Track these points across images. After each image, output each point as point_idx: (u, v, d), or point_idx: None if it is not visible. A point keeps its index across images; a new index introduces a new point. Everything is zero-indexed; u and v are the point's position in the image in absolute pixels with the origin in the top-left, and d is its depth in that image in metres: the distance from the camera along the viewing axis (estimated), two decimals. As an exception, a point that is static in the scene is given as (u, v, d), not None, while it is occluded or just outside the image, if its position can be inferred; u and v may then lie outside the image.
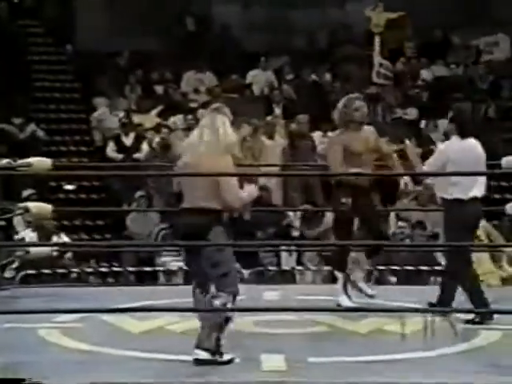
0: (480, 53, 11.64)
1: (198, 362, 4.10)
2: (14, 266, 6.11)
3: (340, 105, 5.63)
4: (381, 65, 11.00)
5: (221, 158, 4.18)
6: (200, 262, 4.18)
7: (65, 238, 8.10)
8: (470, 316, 5.00)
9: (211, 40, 12.03)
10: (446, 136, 5.45)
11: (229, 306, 4.13)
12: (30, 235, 7.67)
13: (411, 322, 4.87)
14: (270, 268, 8.26)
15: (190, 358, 4.14)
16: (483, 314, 4.95)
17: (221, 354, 4.14)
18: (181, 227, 4.30)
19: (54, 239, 7.81)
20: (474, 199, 5.10)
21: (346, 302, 5.37)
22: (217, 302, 4.13)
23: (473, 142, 5.23)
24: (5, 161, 6.07)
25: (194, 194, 4.19)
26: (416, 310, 4.96)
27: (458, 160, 5.09)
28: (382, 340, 4.66)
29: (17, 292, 6.09)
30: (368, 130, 5.65)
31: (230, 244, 4.27)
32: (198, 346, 4.12)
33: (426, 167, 5.26)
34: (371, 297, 5.45)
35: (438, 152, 5.31)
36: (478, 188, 5.12)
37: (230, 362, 4.14)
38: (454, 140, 5.23)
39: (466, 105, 6.12)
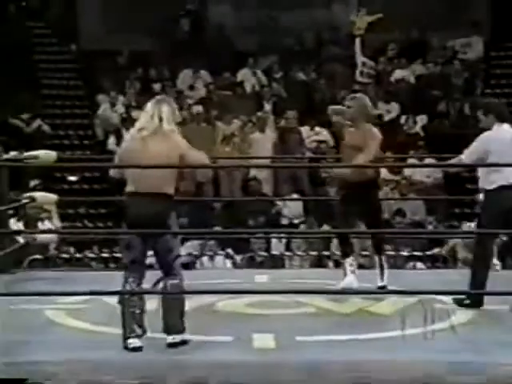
0: (455, 53, 11.66)
1: (172, 345, 4.00)
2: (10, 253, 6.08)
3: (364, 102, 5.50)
4: (364, 64, 10.99)
5: (168, 139, 4.06)
6: (146, 248, 4.06)
7: (57, 224, 8.05)
8: None
9: (205, 40, 11.99)
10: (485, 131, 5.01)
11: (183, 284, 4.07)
12: (17, 225, 7.63)
13: (392, 303, 4.90)
14: (261, 253, 8.26)
15: (186, 336, 4.13)
16: (475, 299, 4.83)
17: (183, 333, 4.04)
18: (135, 212, 4.06)
19: (39, 226, 7.75)
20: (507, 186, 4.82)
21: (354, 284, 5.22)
22: (176, 281, 4.05)
23: (508, 128, 4.94)
24: (13, 153, 6.04)
25: (149, 180, 4.00)
26: (397, 292, 4.98)
27: (498, 148, 4.80)
28: (365, 320, 4.67)
29: (24, 276, 6.07)
30: None
31: (227, 232, 4.21)
32: (168, 332, 4.01)
33: (464, 157, 4.90)
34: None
35: (478, 141, 4.92)
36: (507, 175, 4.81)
37: (188, 342, 4.05)
38: (495, 129, 4.93)
39: (493, 99, 5.91)
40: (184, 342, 4.04)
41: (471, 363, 3.88)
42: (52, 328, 4.48)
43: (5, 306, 4.73)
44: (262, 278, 5.90)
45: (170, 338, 4.03)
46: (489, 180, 4.87)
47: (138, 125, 4.17)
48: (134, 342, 3.99)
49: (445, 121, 10.79)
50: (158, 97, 4.30)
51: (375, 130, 5.46)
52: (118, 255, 8.30)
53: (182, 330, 4.04)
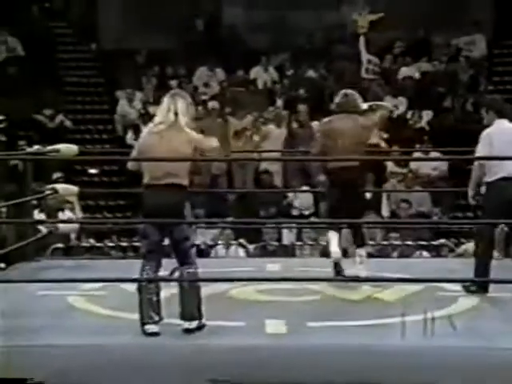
0: (460, 51, 11.58)
1: (189, 331, 3.99)
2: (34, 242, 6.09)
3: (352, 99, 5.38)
4: (369, 61, 10.95)
5: (183, 133, 4.05)
6: (162, 237, 4.05)
7: (79, 215, 8.06)
8: None
9: (220, 39, 11.97)
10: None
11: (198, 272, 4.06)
12: (39, 215, 7.64)
13: (397, 291, 4.87)
14: (273, 243, 8.24)
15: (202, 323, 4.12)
16: (480, 286, 4.80)
17: (201, 319, 4.04)
18: (151, 203, 4.04)
19: (60, 215, 7.77)
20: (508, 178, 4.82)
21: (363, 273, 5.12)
22: (191, 270, 4.04)
23: (507, 124, 4.96)
24: (36, 147, 6.04)
25: (164, 172, 3.98)
26: (405, 280, 4.95)
27: (499, 142, 4.82)
28: (373, 306, 4.64)
29: (48, 263, 6.09)
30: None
31: (241, 222, 4.17)
32: (185, 318, 3.99)
33: (478, 154, 4.91)
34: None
35: (481, 140, 4.93)
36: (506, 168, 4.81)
37: (204, 326, 4.03)
38: (495, 125, 4.95)
39: (495, 96, 5.91)
40: (200, 328, 4.02)
41: (474, 348, 3.84)
42: (72, 313, 4.48)
43: (29, 292, 4.75)
44: (273, 266, 5.88)
45: (187, 324, 4.01)
46: (490, 173, 4.85)
47: (155, 119, 4.15)
48: (151, 327, 3.98)
49: (449, 116, 10.72)
50: (172, 91, 4.27)
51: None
52: (136, 244, 8.31)
53: (198, 317, 4.03)
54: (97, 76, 11.58)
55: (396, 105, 10.84)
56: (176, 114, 4.07)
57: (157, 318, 4.01)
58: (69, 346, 3.86)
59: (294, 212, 9.28)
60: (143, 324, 4.00)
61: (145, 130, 4.31)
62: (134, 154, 4.26)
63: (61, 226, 6.36)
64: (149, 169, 4.07)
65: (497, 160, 4.84)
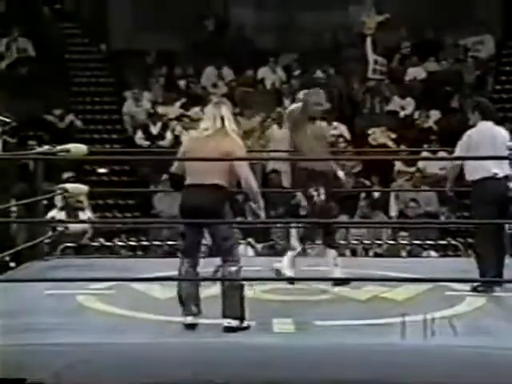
0: (467, 51, 11.54)
1: (228, 329, 4.00)
2: (48, 241, 6.10)
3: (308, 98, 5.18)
4: (376, 62, 10.93)
5: (229, 137, 4.14)
6: (200, 237, 4.12)
7: (88, 214, 8.09)
8: None
9: (228, 39, 11.97)
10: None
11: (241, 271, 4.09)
12: (60, 214, 7.69)
13: (405, 290, 4.86)
14: (280, 242, 8.23)
15: (208, 321, 4.12)
16: (487, 284, 4.82)
17: (243, 320, 4.04)
18: (190, 202, 4.08)
19: (80, 215, 7.80)
20: (498, 178, 4.97)
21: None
22: (234, 268, 4.07)
23: (489, 124, 5.09)
24: (46, 147, 6.06)
25: (203, 173, 4.07)
26: (413, 280, 4.95)
27: (476, 143, 4.99)
28: (380, 306, 4.63)
29: (58, 263, 6.10)
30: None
31: (249, 222, 4.17)
32: (226, 315, 4.02)
33: (458, 154, 5.11)
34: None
35: (462, 139, 5.09)
36: (498, 166, 4.97)
37: (247, 328, 4.06)
38: (478, 126, 5.09)
39: (483, 98, 6.07)
40: (241, 328, 4.01)
41: (482, 348, 3.83)
42: (81, 312, 4.49)
43: (38, 291, 4.76)
44: (281, 265, 5.86)
45: (226, 322, 4.02)
46: (473, 173, 5.00)
47: (201, 126, 4.23)
48: (190, 319, 4.05)
49: (457, 116, 10.69)
50: (215, 100, 4.42)
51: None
52: (146, 243, 8.32)
53: (240, 316, 4.03)
54: (106, 76, 11.61)
55: (403, 105, 10.83)
56: (222, 120, 4.16)
57: (196, 311, 4.07)
58: (78, 344, 3.86)
59: (302, 212, 9.26)
60: (185, 315, 4.08)
61: (187, 137, 4.48)
62: (178, 155, 4.34)
63: (71, 225, 6.37)
64: (190, 170, 4.14)
65: (495, 159, 4.95)
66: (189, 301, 4.08)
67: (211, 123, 4.18)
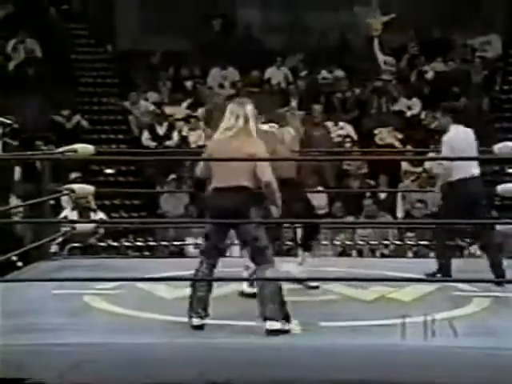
0: (475, 51, 11.51)
1: (272, 332, 3.94)
2: (57, 241, 6.12)
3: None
4: (385, 62, 10.91)
5: (251, 139, 4.11)
6: (224, 239, 4.11)
7: (101, 215, 8.11)
8: None
9: (235, 40, 11.97)
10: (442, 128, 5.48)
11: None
12: (72, 214, 7.71)
13: (411, 291, 4.85)
14: (287, 243, 8.22)
15: (215, 321, 4.12)
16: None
17: (288, 321, 4.00)
18: (216, 204, 4.07)
19: (92, 216, 7.83)
20: (476, 177, 5.27)
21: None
22: (267, 272, 4.02)
23: (466, 129, 5.42)
24: (51, 147, 6.06)
25: (229, 175, 4.05)
26: (419, 280, 4.93)
27: (459, 146, 5.25)
28: (387, 306, 4.62)
29: (65, 262, 6.11)
30: None
31: (256, 222, 4.11)
32: (267, 318, 3.97)
33: (462, 154, 5.25)
34: None
35: (445, 143, 5.32)
36: (475, 168, 5.30)
37: (289, 330, 3.98)
38: (454, 129, 5.35)
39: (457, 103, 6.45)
40: (284, 331, 3.97)
41: (488, 348, 3.81)
42: (88, 312, 4.49)
43: (45, 290, 4.77)
44: (287, 265, 5.86)
45: (268, 325, 3.97)
46: (456, 174, 5.21)
47: (223, 125, 4.18)
48: (196, 321, 4.05)
49: (464, 116, 10.65)
50: (238, 99, 4.34)
51: None
52: (153, 244, 8.33)
53: (281, 318, 3.99)
54: (112, 77, 11.63)
55: (410, 105, 10.81)
56: (246, 120, 4.13)
57: (203, 314, 4.07)
58: (83, 344, 3.86)
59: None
60: (190, 317, 4.07)
61: (210, 140, 4.34)
62: (202, 163, 4.28)
63: (78, 225, 6.38)
64: (216, 173, 4.11)
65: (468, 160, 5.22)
66: (199, 303, 4.07)
67: (233, 122, 4.13)
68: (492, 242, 5.32)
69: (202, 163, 4.26)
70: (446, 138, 5.34)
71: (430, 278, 5.12)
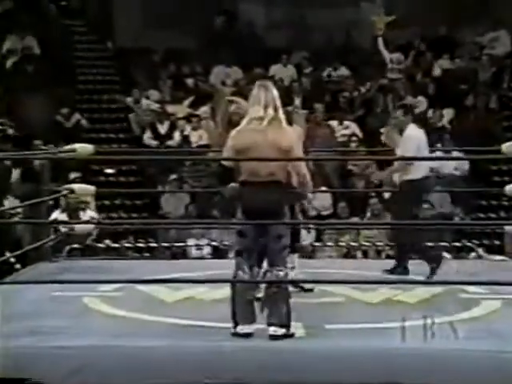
0: (483, 48, 11.50)
1: (274, 337, 3.89)
2: (52, 243, 6.12)
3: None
4: (391, 61, 10.90)
5: (284, 131, 3.93)
6: (259, 235, 3.91)
7: (91, 214, 8.11)
8: None
9: (238, 37, 11.98)
10: (394, 125, 5.63)
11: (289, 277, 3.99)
12: (61, 216, 7.72)
13: (418, 293, 4.85)
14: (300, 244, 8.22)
15: (216, 323, 4.12)
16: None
17: (289, 327, 3.93)
18: (250, 200, 3.88)
19: (82, 215, 7.83)
20: (431, 176, 5.63)
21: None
22: (281, 274, 3.93)
23: (419, 128, 5.68)
24: (50, 146, 6.08)
25: (264, 169, 3.87)
26: (424, 283, 4.93)
27: (422, 144, 5.52)
28: (392, 309, 4.62)
29: (64, 264, 6.12)
30: None
31: (252, 223, 4.02)
32: (272, 323, 3.90)
33: (411, 154, 5.47)
34: None
35: (411, 140, 5.49)
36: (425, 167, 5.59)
37: (293, 335, 3.93)
38: (414, 128, 5.57)
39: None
40: (287, 336, 3.92)
41: (496, 352, 3.81)
42: (88, 314, 4.50)
43: (44, 292, 4.78)
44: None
45: (272, 330, 3.91)
46: (416, 172, 5.42)
47: (252, 113, 3.93)
48: (244, 328, 3.91)
49: (471, 115, 10.66)
50: (259, 82, 4.04)
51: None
52: (153, 245, 8.34)
53: (286, 324, 3.92)
54: (113, 74, 11.64)
55: (416, 103, 10.80)
56: (275, 108, 3.90)
57: (251, 319, 3.93)
58: (84, 347, 3.87)
59: (312, 212, 9.26)
60: (236, 324, 3.93)
61: (238, 127, 4.03)
62: (228, 149, 3.99)
63: (77, 226, 6.39)
64: (247, 166, 3.92)
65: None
66: (246, 308, 3.91)
67: (262, 111, 3.89)
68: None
69: (228, 152, 3.99)
70: (409, 135, 5.52)
71: (436, 280, 5.11)
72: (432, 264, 5.34)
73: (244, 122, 3.99)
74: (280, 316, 3.92)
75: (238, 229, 3.99)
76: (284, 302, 3.93)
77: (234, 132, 4.03)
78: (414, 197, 5.48)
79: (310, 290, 4.95)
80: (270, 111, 3.91)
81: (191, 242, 8.56)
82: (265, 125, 3.91)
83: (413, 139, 5.50)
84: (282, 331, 3.91)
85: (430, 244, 5.73)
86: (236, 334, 3.93)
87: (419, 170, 5.48)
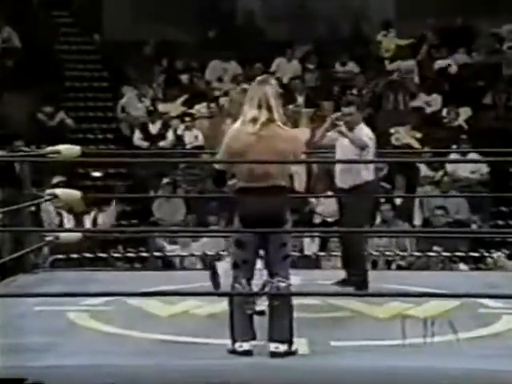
0: (502, 40, 11.51)
1: (276, 354, 3.89)
2: (44, 252, 6.14)
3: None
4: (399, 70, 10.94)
5: (281, 133, 3.94)
6: (259, 246, 3.93)
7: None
8: None
9: (235, 29, 12.01)
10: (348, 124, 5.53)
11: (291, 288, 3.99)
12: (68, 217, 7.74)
13: (431, 307, 4.85)
14: (293, 254, 8.24)
15: (213, 340, 4.14)
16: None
17: (291, 344, 3.94)
18: (252, 208, 3.89)
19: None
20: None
21: None
22: (283, 285, 3.94)
23: None
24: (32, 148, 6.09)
25: (265, 174, 3.88)
26: (438, 296, 4.93)
27: (372, 143, 5.45)
28: (402, 325, 4.62)
29: (47, 276, 6.13)
30: None
31: (251, 231, 4.01)
32: (273, 339, 3.91)
33: (371, 155, 5.42)
34: None
35: (372, 140, 5.43)
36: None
37: (295, 352, 3.94)
38: (364, 126, 5.51)
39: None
40: (289, 353, 3.92)
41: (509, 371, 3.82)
42: (73, 331, 4.51)
43: (26, 307, 4.78)
44: (295, 279, 5.87)
45: (273, 347, 3.92)
46: (367, 174, 5.36)
47: (247, 115, 3.93)
48: (243, 345, 3.91)
49: (490, 114, 10.67)
50: (259, 78, 4.05)
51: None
52: (145, 255, 8.35)
53: (288, 340, 3.93)
54: (101, 70, 11.67)
55: (430, 101, 10.83)
56: (269, 108, 3.91)
57: (250, 336, 3.93)
58: (69, 366, 3.88)
59: (317, 219, 9.27)
60: (234, 341, 3.93)
61: (233, 127, 4.04)
62: (222, 153, 4.01)
63: (62, 234, 6.40)
64: (245, 170, 3.93)
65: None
66: (244, 322, 3.90)
67: (256, 112, 3.90)
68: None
69: (221, 154, 4.01)
70: (368, 134, 5.42)
71: (451, 293, 5.11)
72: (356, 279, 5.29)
73: (238, 123, 4.01)
74: (282, 331, 3.92)
75: (235, 239, 4.00)
76: (287, 316, 3.93)
77: (227, 135, 4.04)
78: (367, 201, 5.45)
79: (262, 313, 4.80)
80: (263, 114, 3.93)
81: (186, 251, 8.57)
82: (258, 127, 3.92)
83: (372, 138, 5.41)
84: (284, 348, 3.92)
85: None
86: (234, 352, 3.93)
87: (371, 172, 5.43)
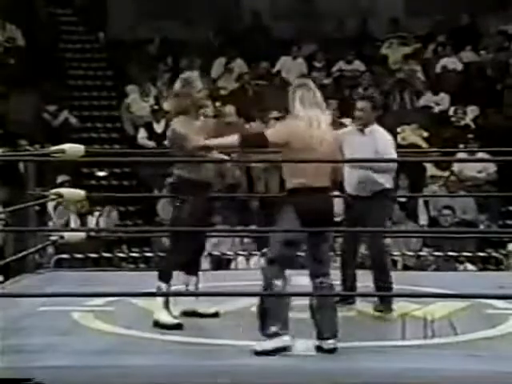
0: (511, 38, 11.47)
1: (331, 351, 4.00)
2: (48, 252, 6.16)
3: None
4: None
5: (332, 133, 4.19)
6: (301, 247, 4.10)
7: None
8: None
9: (241, 27, 12.01)
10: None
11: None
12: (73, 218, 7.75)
13: (439, 308, 4.85)
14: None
15: (216, 341, 4.13)
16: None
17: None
18: (314, 207, 4.01)
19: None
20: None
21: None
22: (328, 282, 4.10)
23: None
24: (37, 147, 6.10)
25: (322, 174, 4.08)
26: (445, 296, 4.93)
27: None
28: (411, 325, 4.63)
29: (51, 276, 6.14)
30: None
31: (272, 230, 4.12)
32: (323, 337, 4.02)
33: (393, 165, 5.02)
34: None
35: (391, 143, 5.04)
36: None
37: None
38: (380, 128, 5.08)
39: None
40: (335, 349, 4.02)
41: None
42: (78, 331, 4.52)
43: (30, 307, 4.80)
44: (301, 279, 5.87)
45: (325, 344, 4.03)
46: (378, 183, 4.95)
47: (304, 117, 4.06)
48: (285, 339, 3.99)
49: (498, 112, 10.65)
50: (298, 81, 4.30)
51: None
52: (149, 255, 8.35)
53: (334, 335, 4.04)
54: (104, 68, 11.67)
55: (437, 100, 10.81)
56: (324, 110, 4.13)
57: (287, 326, 4.02)
58: (74, 367, 3.89)
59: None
60: (274, 334, 3.97)
61: (288, 123, 4.16)
62: (281, 133, 4.10)
63: (66, 234, 6.41)
64: (312, 169, 4.04)
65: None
66: (283, 310, 3.99)
67: (315, 113, 4.06)
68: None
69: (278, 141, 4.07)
70: (390, 139, 4.99)
71: (459, 294, 5.10)
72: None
73: (299, 122, 4.06)
74: (331, 327, 4.03)
75: (285, 238, 4.03)
76: (334, 314, 4.07)
77: (282, 129, 4.14)
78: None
79: (216, 315, 4.75)
80: (322, 115, 4.10)
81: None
82: (321, 128, 4.06)
83: (392, 141, 4.99)
84: (333, 342, 4.02)
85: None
86: (261, 353, 3.96)
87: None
